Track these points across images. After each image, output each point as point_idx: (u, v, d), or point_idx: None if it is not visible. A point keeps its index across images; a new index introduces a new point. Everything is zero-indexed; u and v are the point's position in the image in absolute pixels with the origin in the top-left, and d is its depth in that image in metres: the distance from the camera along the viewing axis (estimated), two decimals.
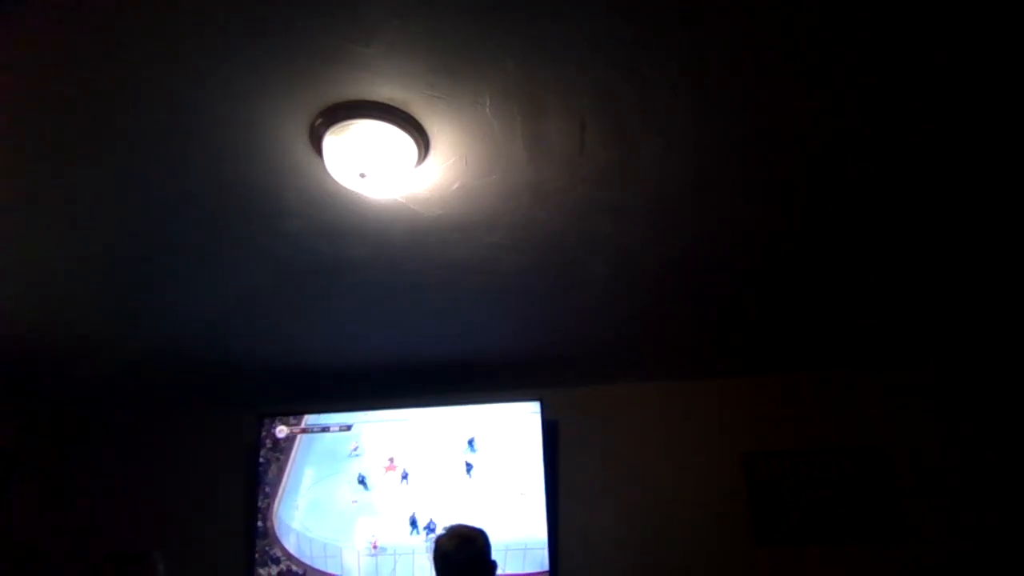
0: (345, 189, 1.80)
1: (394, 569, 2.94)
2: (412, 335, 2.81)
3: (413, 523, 3.00)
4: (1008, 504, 2.85)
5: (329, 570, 2.99)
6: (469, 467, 3.06)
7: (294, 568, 3.02)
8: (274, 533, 3.09)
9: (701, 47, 1.40)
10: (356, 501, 3.08)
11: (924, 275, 2.35)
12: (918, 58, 1.43)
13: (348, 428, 3.21)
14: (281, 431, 3.23)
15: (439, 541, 1.81)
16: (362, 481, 3.10)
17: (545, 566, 2.85)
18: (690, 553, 2.99)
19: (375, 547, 2.99)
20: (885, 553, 2.87)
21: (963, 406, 3.04)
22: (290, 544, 3.07)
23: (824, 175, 1.82)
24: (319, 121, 1.57)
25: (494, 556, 1.82)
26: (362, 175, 1.64)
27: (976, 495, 2.89)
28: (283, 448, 3.20)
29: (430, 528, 2.97)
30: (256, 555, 3.06)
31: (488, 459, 3.06)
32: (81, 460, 3.53)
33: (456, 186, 1.84)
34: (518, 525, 2.90)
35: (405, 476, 3.08)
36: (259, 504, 3.13)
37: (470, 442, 3.10)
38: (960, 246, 2.17)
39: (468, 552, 1.77)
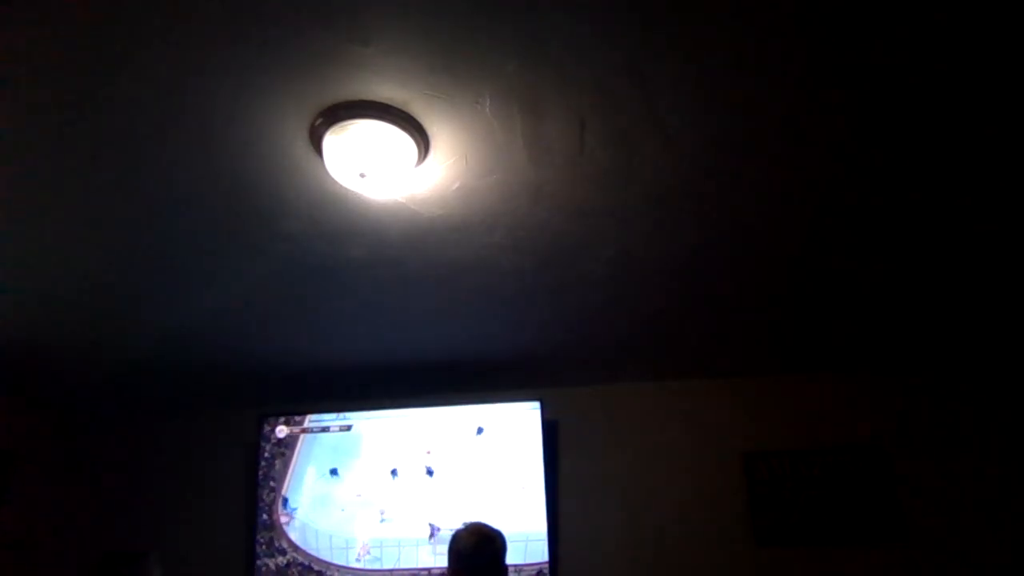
0: (345, 189, 1.80)
1: (398, 560, 2.96)
2: (412, 335, 2.81)
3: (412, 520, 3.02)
4: (1008, 504, 2.85)
5: (334, 561, 3.03)
6: (469, 463, 3.07)
7: (299, 559, 3.05)
8: (280, 525, 3.12)
9: (701, 47, 1.40)
10: (360, 495, 3.10)
11: (925, 275, 2.35)
12: (919, 58, 1.43)
13: (348, 428, 3.22)
14: (282, 431, 3.25)
15: (458, 536, 1.80)
16: (364, 475, 3.12)
17: (545, 557, 2.88)
18: (690, 553, 2.99)
19: (378, 539, 3.01)
20: (885, 553, 2.87)
21: (963, 406, 3.04)
22: (295, 536, 3.09)
23: (824, 175, 1.82)
24: (319, 121, 1.57)
25: None
26: (362, 175, 1.64)
27: (976, 495, 2.89)
28: (287, 444, 3.23)
29: (433, 528, 2.98)
30: (262, 547, 3.09)
31: (489, 454, 3.07)
32: (81, 460, 3.53)
33: (456, 186, 1.84)
34: (519, 518, 2.92)
35: (404, 473, 3.09)
36: (264, 498, 3.16)
37: (477, 431, 3.11)
38: (961, 247, 2.17)
39: (486, 551, 1.76)
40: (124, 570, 2.05)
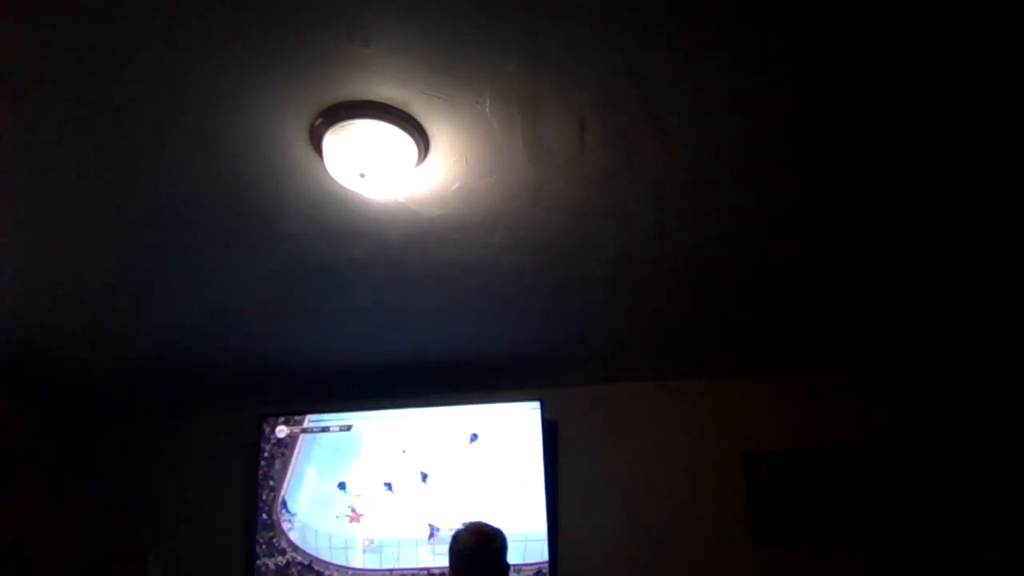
0: (345, 189, 1.80)
1: (397, 560, 2.97)
2: (412, 335, 2.81)
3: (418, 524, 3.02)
4: (1008, 504, 2.85)
5: (334, 560, 3.02)
6: (468, 463, 3.07)
7: (299, 559, 3.05)
8: (279, 525, 3.12)
9: (701, 47, 1.40)
10: (360, 495, 3.10)
11: (925, 275, 2.35)
12: (919, 58, 1.43)
13: (348, 428, 3.22)
14: (281, 431, 3.25)
15: (459, 535, 1.81)
16: (363, 477, 3.12)
17: (545, 557, 2.88)
18: (690, 553, 2.99)
19: (378, 539, 3.01)
20: (885, 553, 2.87)
21: (963, 406, 3.04)
22: (295, 536, 3.09)
23: (824, 175, 1.82)
24: (319, 121, 1.57)
25: None
26: (362, 175, 1.64)
27: (976, 495, 2.89)
28: (287, 444, 3.23)
29: (433, 528, 2.98)
30: (262, 546, 3.09)
31: (488, 455, 3.07)
32: (81, 460, 3.53)
33: (456, 186, 1.84)
34: (519, 518, 2.92)
35: (401, 477, 3.10)
36: (264, 497, 3.17)
37: (471, 438, 3.11)
38: (961, 247, 2.17)
39: (487, 550, 1.77)
40: (124, 570, 2.05)
